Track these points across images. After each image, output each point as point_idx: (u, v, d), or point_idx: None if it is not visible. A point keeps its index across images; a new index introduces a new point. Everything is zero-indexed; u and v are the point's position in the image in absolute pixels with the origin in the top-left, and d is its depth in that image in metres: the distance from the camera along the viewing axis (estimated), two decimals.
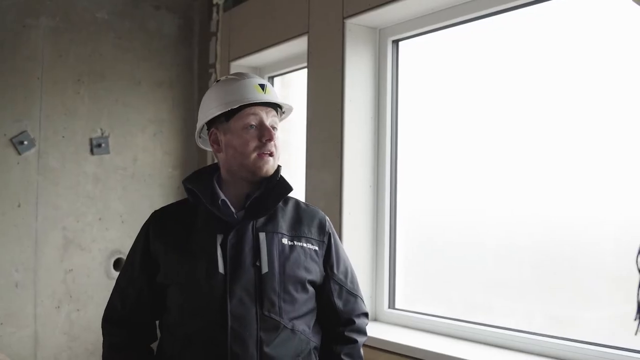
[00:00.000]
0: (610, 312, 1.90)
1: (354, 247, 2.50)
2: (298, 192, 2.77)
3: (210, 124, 1.52)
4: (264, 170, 1.47)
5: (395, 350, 2.21)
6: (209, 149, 1.57)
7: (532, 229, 2.11)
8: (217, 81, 1.56)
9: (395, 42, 2.60)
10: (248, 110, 1.46)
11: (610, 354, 1.79)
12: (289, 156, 3.31)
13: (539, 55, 2.10)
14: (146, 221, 1.56)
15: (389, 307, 2.53)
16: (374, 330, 2.36)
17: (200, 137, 1.60)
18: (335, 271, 1.55)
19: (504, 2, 2.14)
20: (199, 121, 1.56)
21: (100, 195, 3.29)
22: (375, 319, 2.54)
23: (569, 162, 1.99)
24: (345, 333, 1.55)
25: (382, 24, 2.57)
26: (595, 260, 1.93)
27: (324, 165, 2.59)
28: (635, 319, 0.74)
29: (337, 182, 2.50)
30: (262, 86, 1.49)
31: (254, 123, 1.46)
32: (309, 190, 2.67)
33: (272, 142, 1.47)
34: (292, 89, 3.36)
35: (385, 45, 2.59)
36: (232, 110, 1.46)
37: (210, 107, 1.50)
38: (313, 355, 1.51)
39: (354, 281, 1.60)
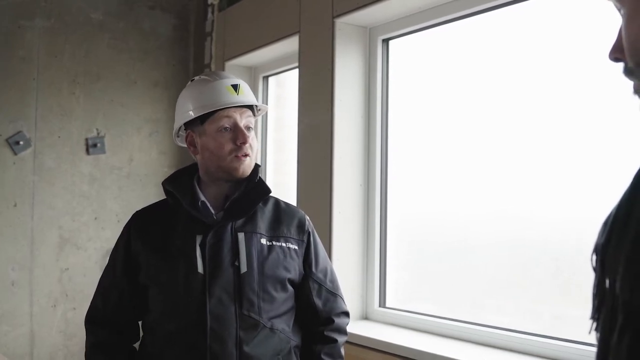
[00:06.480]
0: None
1: (344, 245, 2.51)
2: (290, 191, 2.79)
3: (187, 125, 1.53)
4: (240, 171, 1.48)
5: (385, 349, 2.21)
6: None
7: (526, 227, 2.10)
8: (192, 80, 1.56)
9: (385, 41, 2.60)
10: (221, 113, 1.46)
11: None
12: (282, 155, 3.32)
13: (529, 53, 2.09)
14: (128, 221, 1.58)
15: (379, 306, 2.53)
16: (364, 329, 2.37)
17: (178, 136, 1.61)
18: (314, 270, 1.56)
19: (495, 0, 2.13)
20: (175, 122, 1.57)
21: (96, 195, 3.31)
22: (365, 318, 2.55)
23: (567, 160, 1.97)
24: (325, 332, 1.55)
25: (372, 23, 2.57)
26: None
27: (314, 165, 2.59)
28: (590, 318, 0.74)
29: (327, 181, 2.51)
30: (235, 87, 1.49)
31: (228, 125, 1.47)
32: (300, 189, 2.68)
33: (247, 144, 1.47)
34: (286, 89, 3.37)
35: (375, 44, 2.59)
36: (206, 113, 1.47)
37: (184, 110, 1.51)
38: (293, 354, 1.52)
39: (333, 280, 1.61)
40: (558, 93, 2.00)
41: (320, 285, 1.56)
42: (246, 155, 1.47)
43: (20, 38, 3.11)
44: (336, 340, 1.56)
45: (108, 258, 1.60)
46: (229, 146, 1.46)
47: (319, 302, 1.55)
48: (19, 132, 3.10)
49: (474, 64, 2.29)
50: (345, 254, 2.50)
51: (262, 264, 1.46)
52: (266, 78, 3.42)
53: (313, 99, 2.62)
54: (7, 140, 3.07)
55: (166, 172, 3.52)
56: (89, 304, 1.59)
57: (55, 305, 3.16)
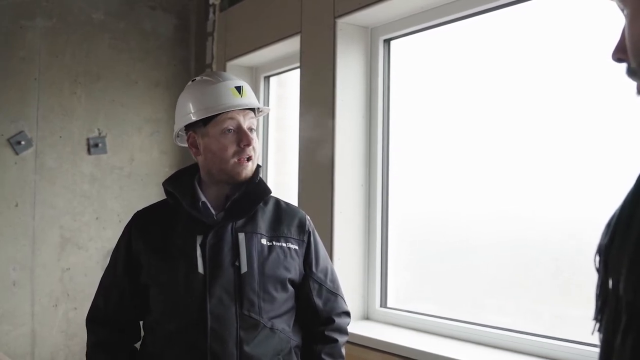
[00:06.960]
0: None
1: (346, 245, 2.51)
2: (291, 191, 2.79)
3: (188, 126, 1.53)
4: (243, 175, 1.48)
5: (386, 349, 2.21)
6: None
7: (526, 227, 2.10)
8: (192, 81, 1.55)
9: (387, 42, 2.60)
10: (225, 115, 1.46)
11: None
12: (283, 155, 3.32)
13: (531, 53, 2.09)
14: (129, 221, 1.58)
15: (380, 306, 2.53)
16: (366, 329, 2.37)
17: (178, 136, 1.60)
18: (314, 270, 1.55)
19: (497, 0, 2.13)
20: (176, 123, 1.57)
21: (97, 195, 3.31)
22: (366, 318, 2.55)
23: (567, 161, 1.96)
24: (326, 332, 1.55)
25: (373, 23, 2.57)
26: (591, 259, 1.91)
27: (315, 164, 2.59)
28: (593, 319, 0.74)
29: (328, 181, 2.51)
30: (239, 88, 1.49)
31: (231, 127, 1.47)
32: (301, 189, 2.68)
33: (251, 146, 1.47)
34: (287, 89, 3.37)
35: (377, 45, 2.59)
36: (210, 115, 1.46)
37: (187, 111, 1.51)
38: (294, 354, 1.52)
39: (334, 280, 1.60)
40: (560, 94, 1.99)
41: (320, 285, 1.56)
42: (249, 159, 1.48)
43: (21, 38, 3.12)
44: (337, 340, 1.56)
45: (109, 258, 1.60)
46: (232, 148, 1.46)
47: (319, 302, 1.55)
48: (21, 132, 3.10)
49: (476, 64, 2.29)
50: (346, 254, 2.50)
51: (263, 264, 1.46)
52: (267, 78, 3.42)
53: (314, 99, 2.62)
54: (8, 140, 3.07)
55: (167, 172, 3.52)
56: (90, 303, 1.60)
57: (56, 305, 3.16)
